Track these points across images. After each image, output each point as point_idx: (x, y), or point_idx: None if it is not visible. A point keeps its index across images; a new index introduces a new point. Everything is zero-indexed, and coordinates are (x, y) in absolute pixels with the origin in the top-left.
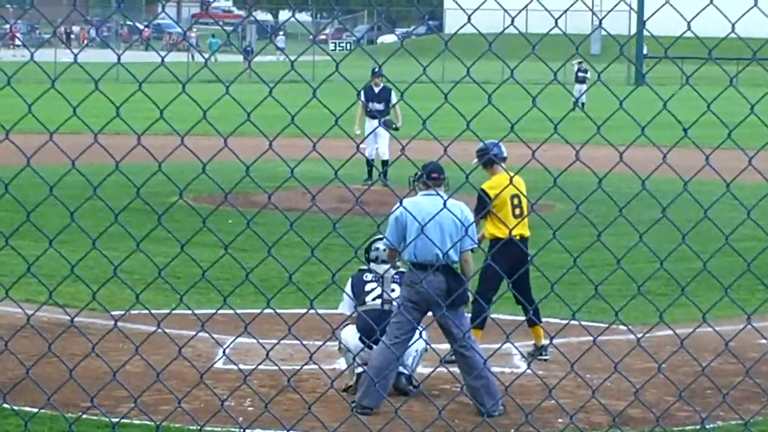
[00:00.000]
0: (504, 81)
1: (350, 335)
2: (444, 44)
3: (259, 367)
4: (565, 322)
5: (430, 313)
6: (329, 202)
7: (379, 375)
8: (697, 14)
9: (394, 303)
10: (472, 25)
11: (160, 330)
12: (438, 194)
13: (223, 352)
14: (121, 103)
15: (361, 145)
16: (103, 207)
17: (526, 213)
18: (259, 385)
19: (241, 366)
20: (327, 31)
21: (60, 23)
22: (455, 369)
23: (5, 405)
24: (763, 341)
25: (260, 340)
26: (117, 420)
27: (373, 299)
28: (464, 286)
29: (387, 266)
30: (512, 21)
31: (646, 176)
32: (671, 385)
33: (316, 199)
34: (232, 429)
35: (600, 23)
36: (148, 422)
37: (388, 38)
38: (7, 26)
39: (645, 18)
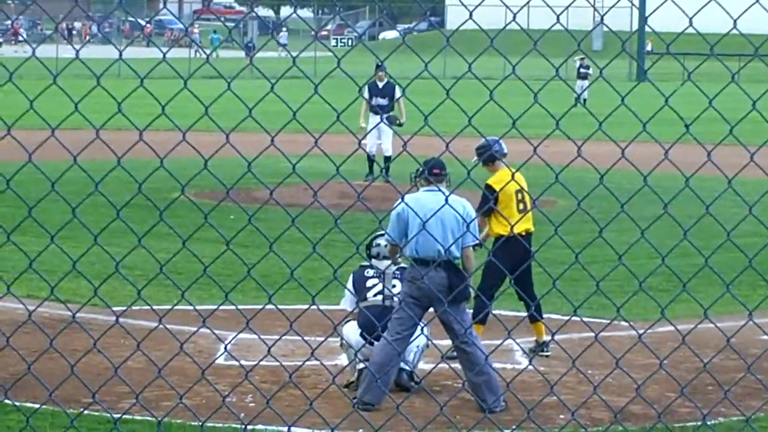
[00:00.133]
0: (506, 77)
1: (351, 331)
2: (446, 40)
3: (261, 363)
4: (566, 318)
5: (431, 309)
6: (331, 198)
7: (380, 371)
8: (699, 10)
9: (395, 299)
10: (474, 21)
11: (161, 326)
12: (440, 190)
13: (225, 348)
14: (123, 99)
15: (363, 141)
16: (104, 203)
17: (529, 208)
18: (261, 381)
19: (243, 362)
20: (329, 27)
21: (62, 19)
22: (456, 365)
23: (7, 401)
24: (765, 337)
25: (262, 336)
26: (118, 416)
27: (374, 295)
28: (466, 282)
29: (388, 262)
30: (514, 17)
31: (647, 172)
32: (673, 381)
33: (318, 195)
34: (234, 425)
35: (602, 19)
36: (149, 418)
37: (390, 34)
38: (9, 22)
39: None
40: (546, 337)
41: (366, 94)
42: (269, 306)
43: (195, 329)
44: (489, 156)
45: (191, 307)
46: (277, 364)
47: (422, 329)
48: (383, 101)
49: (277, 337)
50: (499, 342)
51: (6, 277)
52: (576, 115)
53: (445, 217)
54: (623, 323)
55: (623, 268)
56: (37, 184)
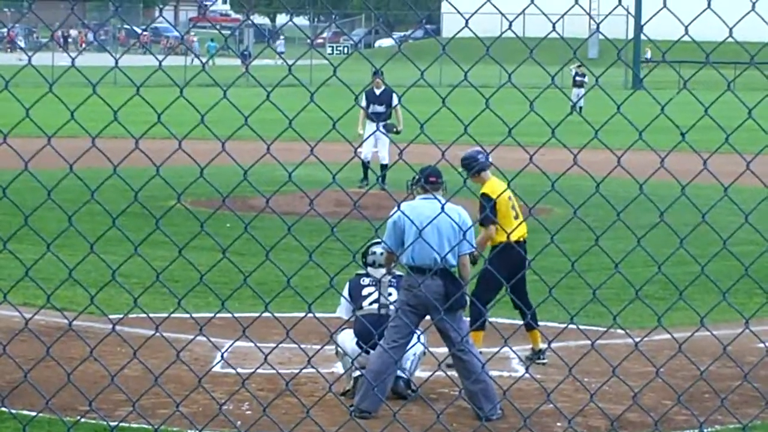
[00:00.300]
0: (502, 85)
1: (347, 339)
2: (442, 48)
3: (258, 371)
4: (563, 326)
5: (428, 317)
6: (327, 206)
7: (377, 379)
8: (695, 18)
9: (391, 307)
10: (470, 29)
11: (158, 334)
12: (436, 198)
13: (221, 356)
14: (119, 107)
15: (359, 149)
16: (100, 211)
17: (521, 214)
18: (258, 389)
19: (240, 370)
20: (324, 34)
21: (58, 27)
22: (453, 373)
23: (3, 408)
24: (761, 345)
25: (258, 344)
26: (115, 424)
27: (370, 304)
28: (462, 290)
29: (384, 270)
30: (510, 25)
31: (643, 180)
32: (669, 389)
33: (314, 203)
34: None
35: (597, 27)
36: (146, 426)
37: (386, 42)
38: (5, 30)
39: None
40: (542, 345)
41: (363, 102)
42: (266, 314)
43: (191, 337)
44: (479, 168)
45: (188, 315)
46: (274, 372)
47: (419, 337)
48: (380, 108)
49: (273, 345)
50: (495, 350)
51: (2, 285)
52: (572, 123)
53: (441, 225)
54: (620, 331)
55: (619, 276)
56: (34, 192)
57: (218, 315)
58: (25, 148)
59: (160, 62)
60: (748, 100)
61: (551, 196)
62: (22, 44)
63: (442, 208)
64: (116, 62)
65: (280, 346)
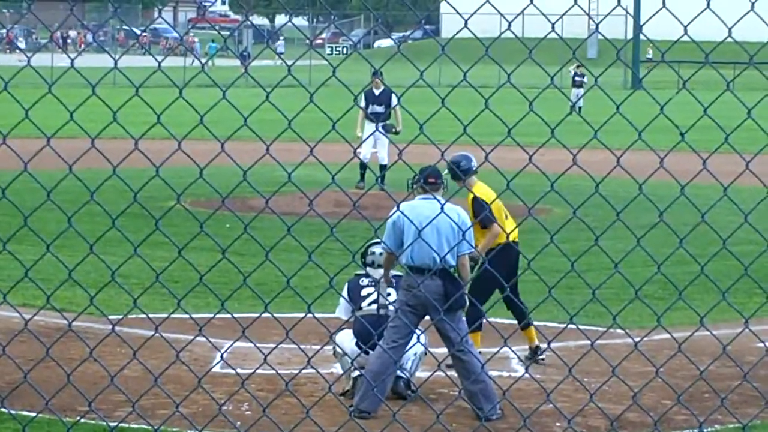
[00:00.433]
0: (501, 85)
1: (346, 340)
2: (441, 48)
3: (257, 371)
4: (562, 326)
5: (428, 318)
6: (326, 207)
7: (376, 379)
8: (694, 18)
9: (391, 308)
10: (469, 29)
11: (157, 334)
12: (435, 199)
13: (221, 356)
14: (118, 108)
15: (358, 150)
16: (100, 212)
17: (509, 214)
18: (257, 390)
19: (239, 370)
20: (324, 35)
21: (57, 28)
22: (453, 373)
23: (3, 409)
24: (761, 345)
25: (258, 345)
26: (115, 424)
27: (369, 304)
28: (461, 290)
29: (383, 271)
30: (509, 25)
31: (643, 180)
32: (669, 388)
33: (313, 203)
34: None
35: (597, 27)
36: (145, 426)
37: (385, 42)
38: (4, 31)
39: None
40: (538, 342)
41: (362, 102)
42: (265, 314)
43: (191, 338)
44: (472, 172)
45: (187, 316)
46: (274, 372)
47: (419, 337)
48: (380, 108)
49: (273, 345)
50: (495, 350)
51: (2, 285)
52: (571, 123)
53: (440, 225)
54: (619, 331)
55: (619, 276)
56: (33, 193)
57: (218, 315)
58: (24, 149)
59: (159, 63)
60: (747, 100)
61: (551, 196)
62: (23, 45)
63: (442, 208)
64: (115, 63)
65: (279, 346)
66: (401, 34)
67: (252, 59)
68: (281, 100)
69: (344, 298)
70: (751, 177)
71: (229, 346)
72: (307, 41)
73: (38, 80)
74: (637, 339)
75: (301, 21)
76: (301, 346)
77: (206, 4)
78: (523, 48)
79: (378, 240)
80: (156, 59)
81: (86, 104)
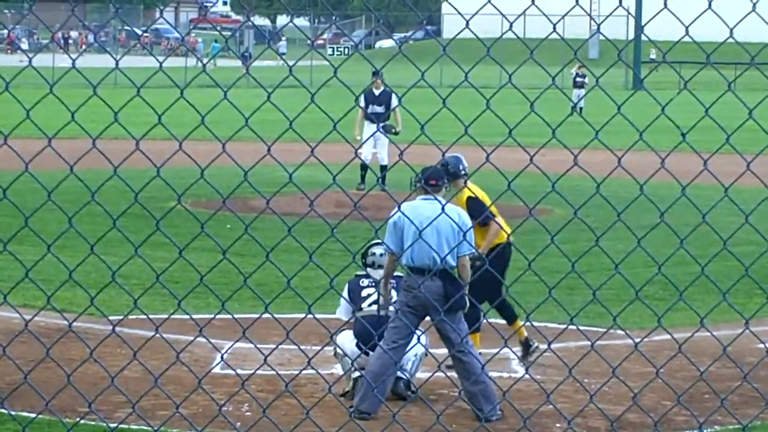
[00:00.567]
0: (502, 86)
1: (347, 341)
2: (442, 49)
3: (257, 372)
4: (562, 326)
5: (428, 318)
6: (327, 207)
7: (376, 380)
8: (695, 19)
9: (391, 308)
10: (470, 29)
11: (158, 335)
12: (436, 199)
13: (221, 357)
14: (120, 109)
15: (359, 150)
16: (101, 212)
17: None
18: (257, 390)
19: (239, 371)
20: (325, 35)
21: (58, 28)
22: (453, 374)
23: (3, 410)
24: (761, 346)
25: (258, 345)
26: (115, 425)
27: (370, 305)
28: (462, 291)
29: (384, 271)
30: (510, 26)
31: (644, 181)
32: (669, 389)
33: (314, 204)
34: None
35: (598, 28)
36: (145, 427)
37: (386, 43)
38: (5, 31)
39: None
40: (527, 334)
41: (362, 102)
42: (265, 315)
43: (191, 338)
44: (464, 172)
45: (187, 317)
46: (274, 373)
47: (419, 338)
48: (380, 109)
49: (273, 346)
50: (495, 351)
51: (2, 286)
52: (572, 124)
53: (441, 226)
54: (619, 332)
55: (619, 276)
56: (34, 193)
57: (218, 316)
58: (25, 150)
59: (161, 63)
60: (748, 100)
61: (552, 196)
62: (26, 46)
63: (443, 209)
64: (117, 63)
65: (280, 347)
66: (403, 35)
67: (253, 59)
68: (282, 100)
69: (345, 298)
70: (752, 177)
71: (230, 347)
72: (309, 42)
73: (39, 80)
74: (637, 340)
75: (302, 21)
76: (302, 347)
77: (207, 4)
78: (524, 48)
79: (378, 241)
80: (157, 60)
81: (87, 105)
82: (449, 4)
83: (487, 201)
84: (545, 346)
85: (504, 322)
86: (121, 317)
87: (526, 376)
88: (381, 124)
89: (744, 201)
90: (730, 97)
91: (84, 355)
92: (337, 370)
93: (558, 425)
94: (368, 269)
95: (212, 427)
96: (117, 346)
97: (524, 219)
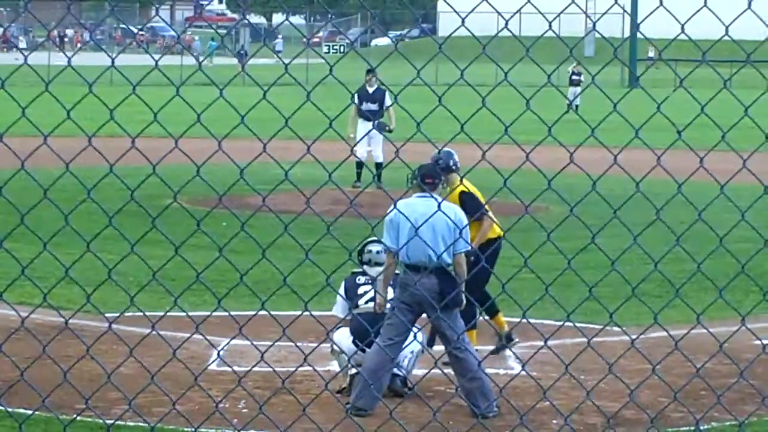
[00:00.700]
0: (498, 84)
1: (343, 338)
2: (438, 47)
3: (254, 369)
4: (559, 323)
5: (425, 315)
6: (323, 205)
7: (373, 377)
8: (691, 17)
9: (387, 306)
10: (466, 27)
11: (154, 332)
12: (432, 197)
13: (218, 354)
14: (115, 106)
15: (354, 148)
16: (97, 210)
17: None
18: (254, 387)
19: (236, 368)
20: (320, 34)
21: (54, 26)
22: (450, 371)
23: (0, 407)
24: (758, 342)
25: (254, 342)
26: (111, 422)
27: (366, 302)
28: (458, 288)
29: (380, 269)
30: (506, 24)
31: (640, 178)
32: (665, 386)
33: (310, 201)
34: (227, 431)
35: (594, 26)
36: (142, 424)
37: (382, 41)
38: (0, 29)
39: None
40: (507, 327)
41: (356, 100)
42: (262, 312)
43: (188, 335)
44: (456, 168)
45: (184, 314)
46: (270, 370)
47: (415, 335)
48: (373, 106)
49: (269, 343)
50: (492, 348)
51: None
52: (568, 122)
53: (436, 223)
54: (616, 329)
55: (616, 273)
56: (30, 191)
57: (214, 313)
58: (21, 147)
59: (156, 61)
60: (744, 98)
61: (548, 194)
62: (24, 44)
63: (439, 206)
64: (113, 62)
65: (276, 344)
66: (398, 33)
67: (249, 57)
68: (278, 98)
69: (341, 296)
70: (748, 175)
71: (226, 344)
72: (305, 40)
73: (35, 78)
74: (633, 337)
75: (298, 20)
76: (298, 344)
77: (203, 2)
78: (520, 46)
79: (374, 238)
80: (153, 58)
81: (83, 102)
82: (445, 2)
83: (482, 199)
84: (542, 343)
85: (503, 319)
86: (117, 314)
87: (523, 372)
88: (375, 122)
89: (740, 198)
90: (725, 94)
91: (80, 352)
92: (334, 367)
93: (554, 422)
94: (364, 267)
95: (209, 424)
96: (113, 343)
97: (520, 216)
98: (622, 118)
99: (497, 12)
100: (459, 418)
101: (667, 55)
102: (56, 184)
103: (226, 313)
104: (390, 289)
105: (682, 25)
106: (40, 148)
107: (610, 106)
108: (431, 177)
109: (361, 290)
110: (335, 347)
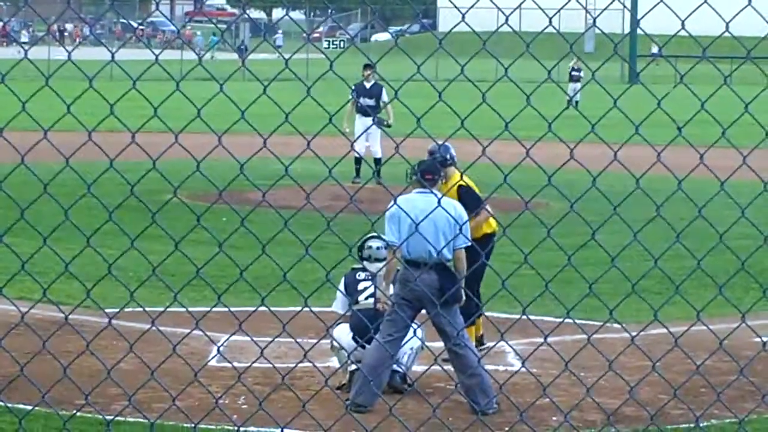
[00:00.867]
0: (498, 79)
1: (343, 334)
2: (438, 43)
3: (254, 365)
4: (559, 320)
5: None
6: (323, 200)
7: (373, 373)
8: (691, 13)
9: (387, 302)
10: (466, 23)
11: (154, 327)
12: (432, 193)
13: (218, 349)
14: (115, 101)
15: (353, 142)
16: (97, 205)
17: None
18: (254, 383)
19: (236, 364)
20: (321, 29)
21: (54, 21)
22: (449, 367)
23: (0, 402)
24: (757, 339)
25: (254, 338)
26: (111, 418)
27: (366, 298)
28: (457, 284)
29: (380, 265)
30: (506, 19)
31: (640, 174)
32: (665, 383)
33: (310, 196)
34: (227, 427)
35: (594, 22)
36: (142, 420)
37: (382, 36)
38: (0, 24)
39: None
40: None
41: (353, 95)
42: (262, 308)
43: (187, 331)
44: (452, 162)
45: (184, 309)
46: (270, 366)
47: (415, 331)
48: (370, 101)
49: (269, 339)
50: (491, 344)
51: None
52: (568, 118)
53: (437, 219)
54: (616, 325)
55: (616, 270)
56: (30, 185)
57: (214, 309)
58: (21, 142)
59: (157, 56)
60: (744, 94)
61: (548, 190)
62: (25, 39)
63: (439, 202)
64: (113, 56)
65: (276, 340)
66: (398, 28)
67: (249, 52)
68: (278, 93)
69: (341, 292)
70: (748, 171)
71: (226, 340)
72: (305, 35)
73: (35, 73)
74: (633, 333)
75: (298, 15)
76: (298, 340)
77: None
78: (520, 42)
79: (375, 234)
80: (153, 52)
81: (83, 97)
82: None
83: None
84: (541, 340)
85: (500, 315)
86: (117, 310)
87: (523, 369)
88: (375, 118)
89: (740, 195)
90: (726, 91)
91: (80, 347)
92: (334, 363)
93: (554, 418)
94: (364, 262)
95: (208, 420)
96: (113, 338)
97: (520, 212)
98: (623, 114)
99: (497, 8)
100: (459, 414)
101: (668, 52)
102: (56, 179)
103: (226, 309)
104: (390, 286)
105: (683, 22)
106: (40, 142)
107: (611, 102)
108: (431, 173)
109: (361, 286)
110: (335, 343)
